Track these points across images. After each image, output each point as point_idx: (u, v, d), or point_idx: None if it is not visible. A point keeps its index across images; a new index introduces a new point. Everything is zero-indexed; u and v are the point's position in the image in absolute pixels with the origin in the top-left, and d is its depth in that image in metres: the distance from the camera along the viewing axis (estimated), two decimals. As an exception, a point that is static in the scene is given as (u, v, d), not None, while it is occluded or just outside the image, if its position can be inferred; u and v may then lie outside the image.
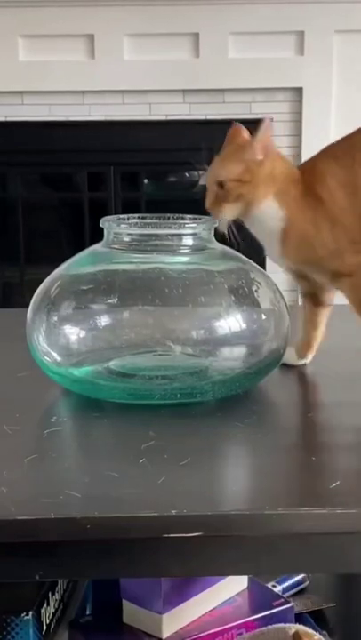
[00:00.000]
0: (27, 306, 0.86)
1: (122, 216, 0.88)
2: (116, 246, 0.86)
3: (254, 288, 0.86)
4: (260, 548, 0.61)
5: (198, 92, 3.10)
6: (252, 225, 0.89)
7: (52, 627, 0.88)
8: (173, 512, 0.59)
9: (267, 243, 0.89)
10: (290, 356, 0.93)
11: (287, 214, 0.86)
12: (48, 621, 0.86)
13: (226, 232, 0.89)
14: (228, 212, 0.87)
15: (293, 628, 0.88)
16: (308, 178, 0.87)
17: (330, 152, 0.88)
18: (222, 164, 0.87)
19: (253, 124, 0.85)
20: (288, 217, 0.86)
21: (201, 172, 0.87)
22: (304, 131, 3.09)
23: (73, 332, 0.85)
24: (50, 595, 0.87)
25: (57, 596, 0.90)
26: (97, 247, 0.88)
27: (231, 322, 0.83)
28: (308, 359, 0.95)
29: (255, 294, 0.86)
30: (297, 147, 3.07)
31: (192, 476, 0.66)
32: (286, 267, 0.90)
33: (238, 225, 0.89)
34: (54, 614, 0.89)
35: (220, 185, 0.86)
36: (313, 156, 0.90)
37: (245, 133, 0.89)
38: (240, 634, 0.90)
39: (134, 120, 3.12)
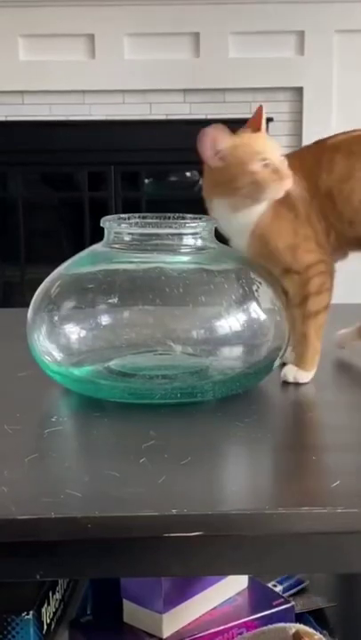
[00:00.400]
0: (27, 305, 0.86)
1: (122, 215, 0.88)
2: (116, 246, 0.86)
3: (254, 288, 0.86)
4: (260, 548, 0.61)
5: (199, 92, 3.10)
6: (231, 214, 0.88)
7: (53, 626, 0.88)
8: (174, 511, 0.59)
9: (239, 234, 0.88)
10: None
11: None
12: (48, 621, 0.86)
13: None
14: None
15: (294, 627, 0.88)
16: None
17: (300, 153, 0.90)
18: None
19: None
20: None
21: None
22: (304, 131, 3.09)
23: (73, 332, 0.85)
24: (50, 594, 0.87)
25: (57, 596, 0.90)
26: (97, 247, 0.88)
27: (231, 321, 0.83)
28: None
29: (255, 294, 0.86)
30: (297, 147, 3.06)
31: (192, 476, 0.66)
32: (250, 258, 0.89)
33: None
34: (55, 614, 0.89)
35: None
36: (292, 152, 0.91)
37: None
38: (240, 633, 0.90)
39: (134, 120, 3.12)
